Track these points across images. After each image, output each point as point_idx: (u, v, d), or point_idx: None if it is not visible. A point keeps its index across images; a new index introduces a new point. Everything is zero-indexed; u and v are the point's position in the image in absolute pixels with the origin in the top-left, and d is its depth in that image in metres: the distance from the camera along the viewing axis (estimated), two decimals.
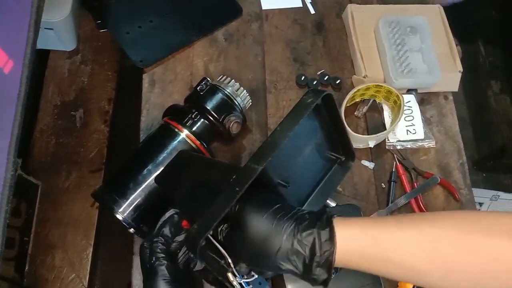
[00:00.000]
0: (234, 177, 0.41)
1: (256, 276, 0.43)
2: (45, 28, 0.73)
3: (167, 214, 0.53)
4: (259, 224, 0.39)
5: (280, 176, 0.50)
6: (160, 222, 0.53)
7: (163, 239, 0.50)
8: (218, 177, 0.47)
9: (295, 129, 0.43)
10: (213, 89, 0.63)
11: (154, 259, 0.48)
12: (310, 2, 0.85)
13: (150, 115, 0.73)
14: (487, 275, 0.35)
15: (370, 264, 0.38)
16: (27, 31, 0.43)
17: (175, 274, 0.47)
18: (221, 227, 0.42)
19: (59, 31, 0.76)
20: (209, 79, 0.65)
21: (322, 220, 0.38)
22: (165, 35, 0.78)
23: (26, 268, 0.65)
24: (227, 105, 0.63)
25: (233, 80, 0.65)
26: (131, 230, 0.57)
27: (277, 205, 0.40)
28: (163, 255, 0.48)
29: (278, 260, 0.38)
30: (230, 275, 0.40)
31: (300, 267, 0.37)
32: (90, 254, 0.68)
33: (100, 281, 0.74)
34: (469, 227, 0.36)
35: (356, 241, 0.37)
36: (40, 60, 0.80)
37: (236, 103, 0.64)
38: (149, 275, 0.48)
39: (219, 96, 0.63)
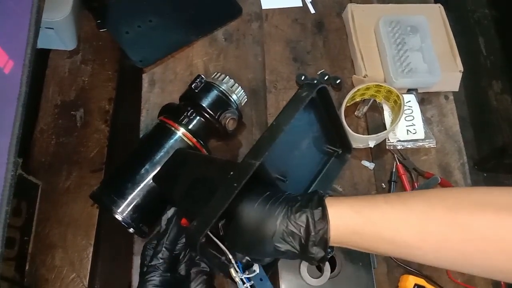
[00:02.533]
0: (231, 173, 0.41)
1: (257, 271, 0.43)
2: (45, 28, 0.73)
3: (169, 213, 0.53)
4: (252, 211, 0.39)
5: (278, 170, 0.50)
6: (163, 222, 0.52)
7: (168, 243, 0.50)
8: (215, 173, 0.47)
9: (291, 123, 0.43)
10: (208, 86, 0.63)
11: (151, 264, 0.48)
12: (310, 2, 0.85)
13: (150, 115, 0.73)
14: (478, 253, 0.35)
15: (362, 241, 0.39)
16: (28, 30, 0.43)
17: (167, 284, 0.48)
18: (220, 223, 0.42)
19: (60, 30, 0.76)
20: (203, 76, 0.64)
21: (314, 200, 0.39)
22: (164, 35, 0.78)
23: (26, 267, 0.65)
24: (222, 102, 0.63)
25: (227, 76, 0.65)
26: (131, 230, 0.57)
27: (268, 192, 0.40)
28: (161, 262, 0.48)
29: (274, 243, 0.38)
30: (232, 270, 0.41)
31: (297, 247, 0.38)
32: (91, 254, 0.68)
33: (101, 281, 0.74)
34: (456, 205, 0.36)
35: (347, 219, 0.38)
36: (40, 60, 0.79)
37: (232, 100, 0.64)
38: (141, 280, 0.48)
39: (214, 93, 0.63)
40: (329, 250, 0.38)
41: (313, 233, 0.37)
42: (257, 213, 0.39)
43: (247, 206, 0.40)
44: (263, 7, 0.84)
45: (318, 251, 0.38)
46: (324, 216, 0.37)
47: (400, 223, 0.37)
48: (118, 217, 0.56)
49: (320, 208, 0.38)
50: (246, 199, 0.40)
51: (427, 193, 0.39)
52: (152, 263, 0.48)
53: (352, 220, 0.38)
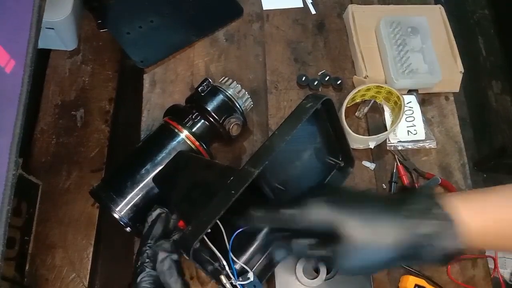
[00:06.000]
0: (230, 179, 0.41)
1: (251, 279, 0.43)
2: (46, 28, 0.73)
3: (154, 214, 0.53)
4: (358, 228, 0.37)
5: (278, 179, 0.50)
6: (148, 223, 0.52)
7: (153, 243, 0.49)
8: (215, 179, 0.47)
9: (293, 133, 0.43)
10: (215, 91, 0.63)
11: (138, 265, 0.48)
12: (311, 3, 0.85)
13: (151, 116, 0.73)
14: None
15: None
16: (29, 30, 0.43)
17: (159, 282, 0.48)
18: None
19: (60, 30, 0.76)
20: (210, 80, 0.65)
21: (441, 214, 0.37)
22: (165, 35, 0.78)
23: (27, 267, 0.65)
24: (228, 107, 0.63)
25: (234, 82, 0.65)
26: (128, 229, 0.57)
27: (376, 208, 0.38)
28: (147, 261, 0.48)
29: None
30: (223, 277, 0.40)
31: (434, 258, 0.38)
32: (91, 254, 0.68)
33: (101, 280, 0.74)
34: None
35: (478, 224, 0.38)
36: (41, 60, 0.79)
37: (237, 105, 0.64)
38: (134, 279, 0.48)
39: (220, 97, 0.63)
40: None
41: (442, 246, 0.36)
42: (369, 228, 0.37)
43: (354, 224, 0.37)
44: (264, 8, 0.84)
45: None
46: (453, 228, 0.36)
47: None
48: (116, 215, 0.56)
49: (450, 221, 0.37)
50: (353, 215, 0.37)
51: None
52: (138, 264, 0.48)
53: (482, 224, 0.38)
